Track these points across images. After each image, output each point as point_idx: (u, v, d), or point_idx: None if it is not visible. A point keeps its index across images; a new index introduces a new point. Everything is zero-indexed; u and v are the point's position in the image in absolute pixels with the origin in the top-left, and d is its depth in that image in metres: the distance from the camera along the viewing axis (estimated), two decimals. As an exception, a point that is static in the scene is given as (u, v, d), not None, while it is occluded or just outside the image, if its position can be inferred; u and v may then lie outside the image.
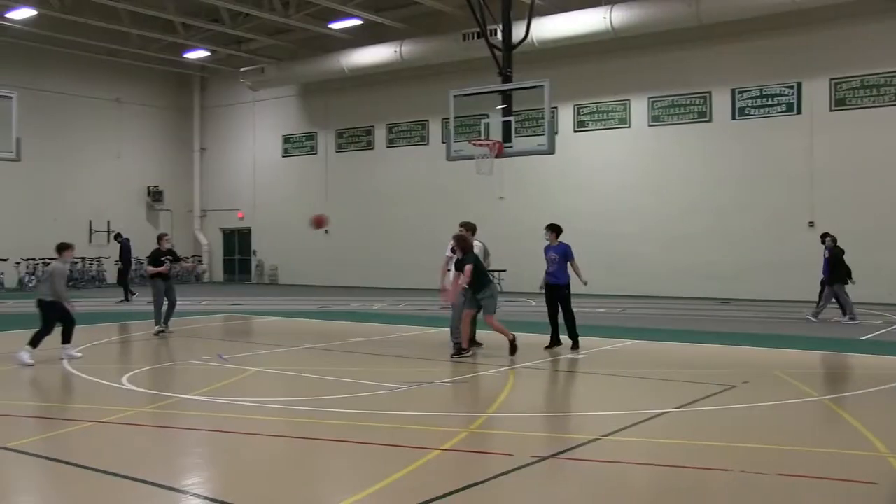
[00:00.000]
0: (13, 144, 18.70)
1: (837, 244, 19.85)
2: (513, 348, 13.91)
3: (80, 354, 14.16)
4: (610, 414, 9.98)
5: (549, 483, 7.22)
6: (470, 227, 14.54)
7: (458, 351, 14.04)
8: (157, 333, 17.61)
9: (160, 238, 18.68)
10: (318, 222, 17.13)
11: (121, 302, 26.57)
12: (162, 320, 17.86)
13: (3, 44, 32.12)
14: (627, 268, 28.02)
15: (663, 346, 16.10)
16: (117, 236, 27.33)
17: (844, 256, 19.69)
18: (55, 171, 34.96)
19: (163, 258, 18.14)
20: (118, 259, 28.63)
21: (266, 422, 9.51)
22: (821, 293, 20.08)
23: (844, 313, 19.59)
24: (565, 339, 14.98)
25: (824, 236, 20.19)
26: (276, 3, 29.40)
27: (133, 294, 27.36)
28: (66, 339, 14.06)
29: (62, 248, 14.29)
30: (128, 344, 16.98)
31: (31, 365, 13.30)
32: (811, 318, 19.94)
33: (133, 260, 30.00)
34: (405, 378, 12.19)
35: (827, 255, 19.82)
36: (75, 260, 34.85)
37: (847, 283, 19.61)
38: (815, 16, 24.70)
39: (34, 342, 13.64)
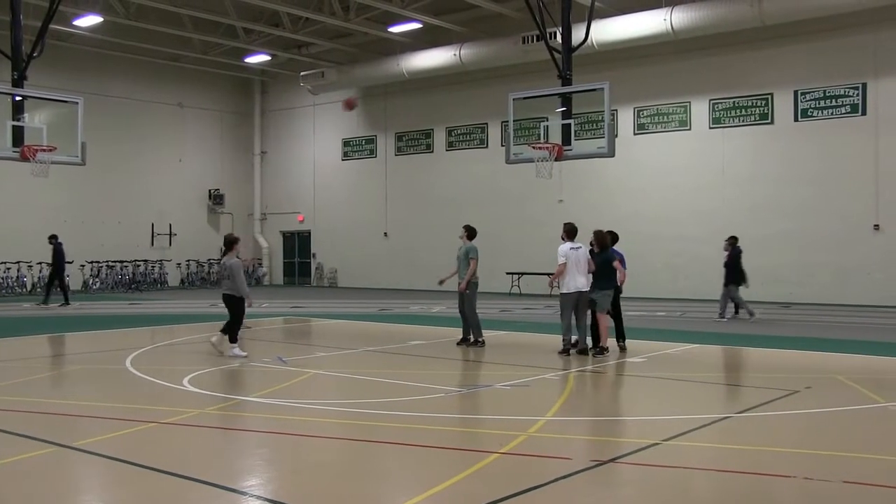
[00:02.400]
0: (79, 149, 19.01)
1: (736, 246, 21.11)
2: (597, 351, 14.67)
3: (229, 352, 14.42)
4: (670, 418, 9.89)
5: (609, 488, 7.17)
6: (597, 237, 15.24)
7: (600, 351, 14.67)
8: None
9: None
10: (349, 104, 17.74)
11: (61, 305, 26.14)
12: None
13: (70, 50, 32.72)
14: (688, 271, 27.75)
15: (724, 349, 15.93)
16: (51, 238, 26.58)
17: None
18: (119, 174, 35.50)
19: None
20: (51, 262, 27.15)
21: (326, 424, 9.57)
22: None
23: (737, 311, 21.35)
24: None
25: (727, 240, 21.39)
26: (337, 8, 29.57)
27: (67, 303, 26.57)
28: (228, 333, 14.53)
29: (233, 241, 14.72)
30: (188, 346, 17.17)
31: (246, 356, 14.25)
32: (718, 318, 20.94)
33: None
34: (464, 381, 12.19)
35: (726, 258, 21.03)
36: (138, 263, 35.46)
37: (741, 285, 21.01)
38: (881, 15, 24.24)
39: (232, 337, 14.43)
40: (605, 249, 14.87)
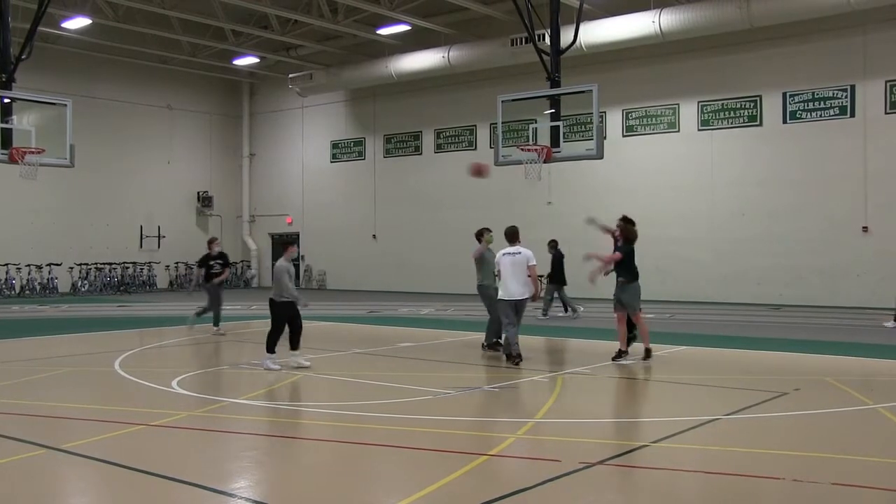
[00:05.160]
0: (67, 151, 18.97)
1: (558, 249, 22.54)
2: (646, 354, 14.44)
3: (308, 363, 13.74)
4: (659, 420, 9.91)
5: (597, 490, 7.17)
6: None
7: (618, 354, 14.39)
8: (216, 334, 18.54)
9: (210, 242, 19.32)
10: (478, 170, 16.98)
11: None
12: (217, 322, 18.84)
13: (58, 52, 32.61)
14: (677, 273, 27.78)
15: (713, 352, 15.94)
16: None
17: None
18: (108, 177, 35.37)
19: (212, 262, 18.89)
20: None
21: (314, 426, 9.56)
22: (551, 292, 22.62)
23: (566, 310, 22.54)
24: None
25: (549, 243, 22.67)
26: (325, 10, 29.53)
27: None
28: (294, 345, 13.82)
29: (287, 244, 14.37)
30: (177, 348, 17.14)
31: (279, 369, 13.31)
32: (541, 315, 21.90)
33: None
34: (453, 383, 12.19)
35: (551, 260, 22.29)
36: (127, 265, 35.38)
37: (565, 285, 22.48)
38: (870, 17, 24.31)
39: (269, 346, 13.63)
40: (629, 242, 14.50)
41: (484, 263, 15.33)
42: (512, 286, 14.07)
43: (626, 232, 14.57)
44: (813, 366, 14.04)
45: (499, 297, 14.31)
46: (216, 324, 18.77)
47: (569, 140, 20.86)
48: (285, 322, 13.77)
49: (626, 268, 14.40)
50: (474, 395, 11.53)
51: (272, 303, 13.83)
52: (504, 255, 14.21)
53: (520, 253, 14.21)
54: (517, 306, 14.24)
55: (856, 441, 8.82)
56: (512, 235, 14.49)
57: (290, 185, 39.56)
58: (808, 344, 16.65)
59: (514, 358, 14.16)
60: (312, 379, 12.92)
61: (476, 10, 28.66)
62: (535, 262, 14.16)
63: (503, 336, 14.69)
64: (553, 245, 22.61)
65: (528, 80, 24.39)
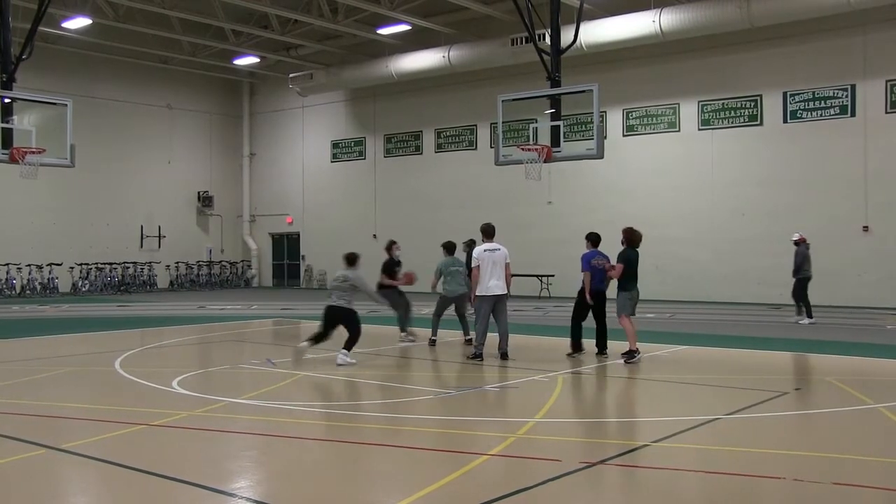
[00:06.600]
0: (67, 151, 18.96)
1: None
2: (628, 357, 14.08)
3: (354, 360, 14.21)
4: (659, 420, 9.90)
5: (598, 489, 7.17)
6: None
7: (630, 355, 14.06)
8: (404, 340, 17.65)
9: (391, 247, 18.91)
10: (409, 280, 17.54)
11: None
12: (406, 326, 17.91)
13: (58, 52, 32.63)
14: (677, 273, 27.78)
15: (713, 351, 15.93)
16: None
17: None
18: (108, 176, 35.41)
19: (396, 268, 18.37)
20: None
21: (314, 426, 9.56)
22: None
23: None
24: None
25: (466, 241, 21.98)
26: (325, 10, 29.53)
27: None
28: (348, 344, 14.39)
29: (357, 257, 15.50)
30: (177, 348, 17.12)
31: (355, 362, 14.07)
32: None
33: None
34: (453, 383, 12.18)
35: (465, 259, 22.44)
36: (127, 265, 35.38)
37: None
38: (871, 16, 24.32)
39: (351, 347, 14.28)
40: (632, 245, 14.25)
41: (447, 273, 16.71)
42: (491, 282, 14.20)
43: (629, 234, 14.35)
44: (814, 365, 14.04)
45: (478, 293, 14.31)
46: (404, 328, 18.00)
47: (569, 140, 20.85)
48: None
49: (624, 276, 14.17)
50: (475, 394, 11.53)
51: (353, 312, 14.87)
52: (484, 251, 14.35)
53: (499, 249, 14.41)
54: (497, 302, 14.31)
55: (857, 441, 8.81)
56: (490, 232, 14.74)
57: (291, 184, 39.56)
58: (808, 344, 16.64)
59: (476, 357, 14.29)
60: (312, 379, 12.91)
61: (476, 9, 28.66)
62: (510, 260, 14.44)
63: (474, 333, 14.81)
64: (470, 244, 22.15)
65: (528, 79, 24.40)
